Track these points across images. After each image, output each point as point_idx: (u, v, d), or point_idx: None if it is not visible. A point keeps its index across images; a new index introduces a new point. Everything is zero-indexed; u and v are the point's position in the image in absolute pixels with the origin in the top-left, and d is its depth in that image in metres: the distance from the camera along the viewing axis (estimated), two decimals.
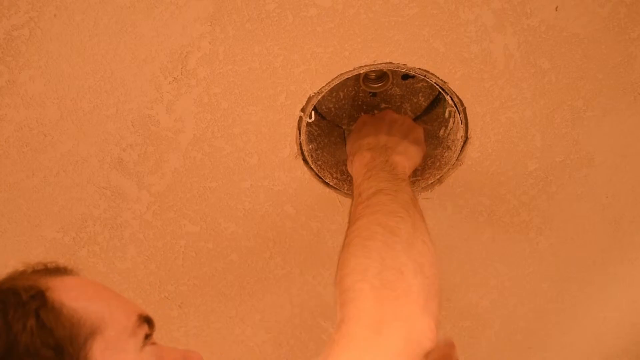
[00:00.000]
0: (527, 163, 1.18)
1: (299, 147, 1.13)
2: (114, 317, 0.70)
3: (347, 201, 1.21)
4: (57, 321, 0.65)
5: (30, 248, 1.22)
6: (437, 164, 1.20)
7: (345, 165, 1.14)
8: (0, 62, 0.96)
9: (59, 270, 0.76)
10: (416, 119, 1.24)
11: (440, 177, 1.20)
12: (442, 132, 1.20)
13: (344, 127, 1.25)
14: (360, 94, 1.22)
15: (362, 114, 1.22)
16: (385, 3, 0.95)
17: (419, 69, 1.04)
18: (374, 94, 1.22)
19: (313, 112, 1.12)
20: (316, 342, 1.49)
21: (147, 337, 0.73)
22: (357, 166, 1.04)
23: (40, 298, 0.66)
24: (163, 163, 1.12)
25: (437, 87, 1.07)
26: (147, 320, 0.74)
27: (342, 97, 1.22)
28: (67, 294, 0.69)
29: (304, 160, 1.15)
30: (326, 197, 1.21)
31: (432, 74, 1.05)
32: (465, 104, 1.09)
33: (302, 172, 1.17)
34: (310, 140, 1.15)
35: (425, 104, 1.23)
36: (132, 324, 0.71)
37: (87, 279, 0.77)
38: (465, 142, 1.14)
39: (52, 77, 0.99)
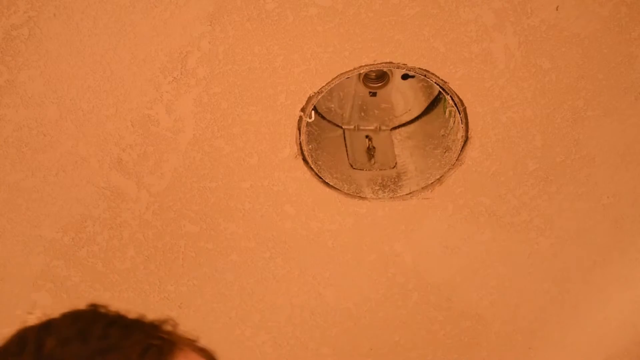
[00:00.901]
0: (528, 163, 1.18)
1: (299, 147, 1.13)
2: None
3: (347, 201, 1.21)
4: None
5: (29, 248, 1.22)
6: (438, 164, 1.19)
7: (345, 165, 1.12)
8: (0, 61, 0.96)
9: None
10: (416, 119, 1.24)
11: (441, 177, 1.19)
12: (442, 132, 1.20)
13: (344, 127, 1.25)
14: (361, 94, 1.22)
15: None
16: (385, 3, 0.94)
17: (419, 68, 1.04)
18: (374, 94, 1.22)
19: (313, 112, 1.12)
20: (316, 342, 1.48)
21: None
22: None
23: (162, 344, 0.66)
24: (163, 163, 1.12)
25: (438, 86, 1.07)
26: None
27: (342, 96, 1.22)
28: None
29: (304, 160, 1.15)
30: (326, 197, 1.20)
31: (433, 74, 1.04)
32: (466, 104, 1.08)
33: (302, 172, 1.16)
34: (310, 140, 1.14)
35: (426, 104, 1.23)
36: None
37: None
38: (465, 142, 1.14)
39: (52, 77, 0.99)
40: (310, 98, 1.06)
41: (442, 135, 1.19)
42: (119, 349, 0.62)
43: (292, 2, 0.93)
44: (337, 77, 1.04)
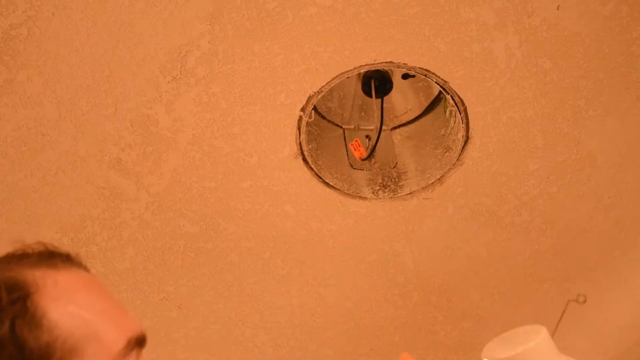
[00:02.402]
0: (529, 163, 1.18)
1: (299, 147, 1.12)
2: (99, 338, 0.62)
3: (347, 201, 1.21)
4: (31, 334, 0.60)
5: None
6: (438, 164, 1.19)
7: (345, 165, 1.13)
8: None
9: (60, 259, 0.70)
10: (417, 118, 1.24)
11: (441, 177, 1.19)
12: (442, 131, 1.19)
13: (344, 126, 1.25)
14: (361, 93, 1.21)
15: None
16: (385, 2, 0.94)
17: (420, 68, 1.03)
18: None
19: (313, 112, 1.11)
20: (316, 343, 1.48)
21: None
22: None
23: (21, 305, 0.61)
24: (162, 163, 1.12)
25: (438, 86, 1.07)
26: (139, 343, 0.65)
27: (342, 96, 1.22)
28: (53, 301, 0.63)
29: (304, 160, 1.14)
30: (326, 197, 1.20)
31: (433, 74, 1.04)
32: (466, 104, 1.08)
33: (302, 172, 1.16)
34: (310, 140, 1.14)
35: (426, 104, 1.23)
36: (118, 350, 0.62)
37: (86, 278, 0.71)
38: (466, 142, 1.14)
39: (51, 77, 0.99)
40: (310, 98, 1.06)
41: (443, 135, 1.19)
42: None
43: (292, 1, 0.93)
44: (337, 76, 1.03)
